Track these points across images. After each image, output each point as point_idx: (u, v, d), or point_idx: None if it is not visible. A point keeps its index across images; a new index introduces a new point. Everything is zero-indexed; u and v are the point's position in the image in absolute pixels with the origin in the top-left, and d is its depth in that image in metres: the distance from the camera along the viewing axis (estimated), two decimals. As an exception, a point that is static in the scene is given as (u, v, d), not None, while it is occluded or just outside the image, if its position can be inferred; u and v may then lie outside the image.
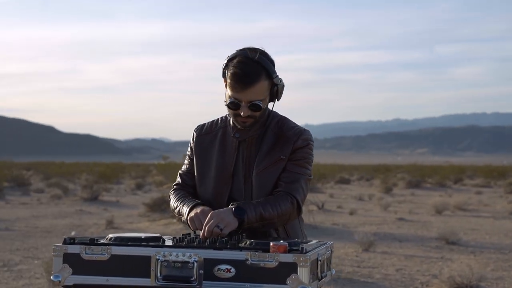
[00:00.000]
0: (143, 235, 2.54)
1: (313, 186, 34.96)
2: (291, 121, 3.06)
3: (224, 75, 2.89)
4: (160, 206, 18.18)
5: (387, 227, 16.04)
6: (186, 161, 3.11)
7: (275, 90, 2.89)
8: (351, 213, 19.79)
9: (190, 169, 3.08)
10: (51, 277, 2.39)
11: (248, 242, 2.48)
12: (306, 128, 3.03)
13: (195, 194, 3.03)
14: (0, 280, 8.59)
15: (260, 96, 2.85)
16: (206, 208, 2.81)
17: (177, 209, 2.93)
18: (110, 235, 2.52)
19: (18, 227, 15.39)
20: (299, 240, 2.63)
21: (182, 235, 2.66)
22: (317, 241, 2.75)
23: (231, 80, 2.83)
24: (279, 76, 2.91)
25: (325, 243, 2.70)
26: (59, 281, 2.37)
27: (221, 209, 2.77)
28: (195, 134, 3.10)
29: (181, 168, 3.14)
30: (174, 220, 13.81)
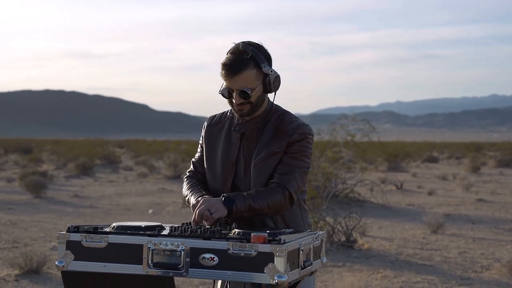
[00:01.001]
0: (143, 224, 2.77)
1: (396, 165, 34.60)
2: (292, 115, 3.20)
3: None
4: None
5: (464, 208, 15.79)
6: (198, 150, 3.32)
7: (267, 81, 3.06)
8: (430, 193, 19.54)
9: (201, 157, 3.28)
10: (56, 262, 2.65)
11: (236, 232, 2.67)
12: (305, 123, 3.17)
13: (205, 181, 3.23)
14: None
15: (249, 84, 3.03)
16: (207, 198, 3.00)
17: (187, 198, 3.14)
18: (114, 224, 2.77)
19: (101, 205, 16.09)
20: (285, 230, 2.77)
21: (182, 224, 2.87)
22: (308, 231, 2.90)
23: (221, 69, 3.05)
24: (275, 70, 3.09)
25: (315, 233, 2.85)
26: (63, 266, 2.64)
27: (212, 198, 2.98)
28: (205, 124, 3.31)
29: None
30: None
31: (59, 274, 4.79)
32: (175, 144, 60.66)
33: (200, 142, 3.32)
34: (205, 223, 2.88)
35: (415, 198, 18.19)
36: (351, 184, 16.20)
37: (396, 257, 8.74)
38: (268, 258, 2.47)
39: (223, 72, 3.04)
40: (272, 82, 3.08)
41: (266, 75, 3.06)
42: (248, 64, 3.02)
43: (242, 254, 2.49)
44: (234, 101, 3.08)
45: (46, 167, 32.06)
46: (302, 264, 2.63)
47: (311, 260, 2.74)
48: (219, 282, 3.10)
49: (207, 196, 3.05)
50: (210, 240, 2.56)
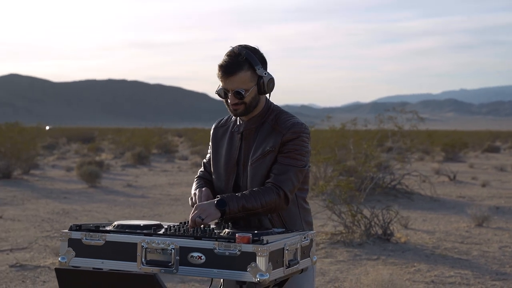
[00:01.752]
0: (142, 223, 2.96)
1: (454, 156, 34.11)
2: (288, 114, 3.33)
3: None
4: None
5: (517, 201, 15.54)
6: (208, 151, 3.50)
7: (261, 82, 3.21)
8: (483, 185, 19.26)
9: (210, 158, 3.46)
10: (59, 258, 2.87)
11: (227, 232, 2.83)
12: (300, 121, 3.29)
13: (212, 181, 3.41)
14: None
15: (243, 85, 3.19)
16: (200, 204, 3.15)
17: (191, 201, 3.32)
18: (115, 222, 2.96)
19: (152, 195, 16.47)
20: (274, 230, 2.91)
21: (179, 223, 3.05)
22: (298, 231, 3.03)
23: (218, 71, 3.22)
24: (269, 73, 3.24)
25: (304, 233, 2.98)
26: (65, 262, 2.85)
27: (205, 202, 3.13)
28: (213, 127, 3.48)
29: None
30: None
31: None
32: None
33: (210, 144, 3.49)
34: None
35: (467, 190, 17.98)
36: (400, 175, 16.16)
37: (432, 251, 8.76)
38: (251, 257, 2.62)
39: (219, 73, 3.20)
40: (266, 84, 3.22)
41: (260, 77, 3.21)
42: (242, 66, 3.17)
43: (227, 254, 2.65)
44: (229, 101, 3.24)
45: (105, 156, 32.87)
46: (287, 263, 2.77)
47: (298, 259, 2.88)
48: (221, 280, 3.26)
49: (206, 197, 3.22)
50: (201, 239, 2.72)
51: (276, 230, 2.97)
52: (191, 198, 3.27)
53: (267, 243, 2.65)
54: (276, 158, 3.21)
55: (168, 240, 2.72)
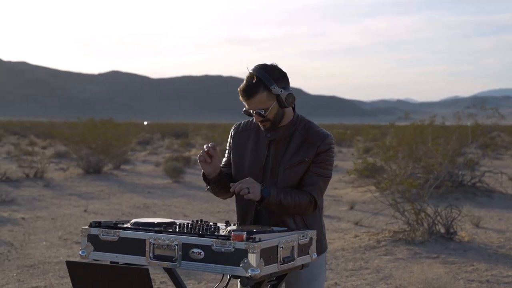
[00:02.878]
0: (156, 220, 3.25)
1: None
2: (315, 125, 3.58)
3: None
4: (371, 172, 18.61)
5: None
6: (225, 155, 3.75)
7: (280, 99, 3.44)
8: None
9: (228, 162, 3.71)
10: (80, 252, 3.20)
11: (229, 230, 3.08)
12: (328, 133, 3.53)
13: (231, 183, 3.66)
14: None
15: (262, 106, 3.43)
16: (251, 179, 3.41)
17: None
18: (133, 220, 3.27)
19: (232, 190, 16.89)
20: (273, 229, 3.16)
21: (192, 221, 3.32)
22: (298, 231, 3.25)
23: (240, 92, 3.47)
24: (286, 88, 3.46)
25: (303, 232, 3.20)
26: (85, 255, 3.19)
27: (254, 181, 3.37)
28: (232, 132, 3.72)
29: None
30: (373, 188, 14.15)
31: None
32: (328, 128, 60.76)
33: (227, 148, 3.74)
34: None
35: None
36: (480, 172, 15.91)
37: (496, 250, 8.69)
38: (243, 254, 2.87)
39: (240, 96, 3.49)
40: (284, 100, 3.46)
41: (277, 94, 3.44)
42: (258, 89, 3.42)
43: (223, 250, 2.91)
44: (254, 119, 3.53)
45: (194, 152, 33.71)
46: (281, 259, 3.01)
47: (295, 256, 3.10)
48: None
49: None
50: (203, 237, 3.00)
51: (276, 229, 3.20)
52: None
53: (259, 241, 2.89)
54: (308, 167, 3.45)
55: (172, 237, 3.00)
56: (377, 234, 9.41)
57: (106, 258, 3.13)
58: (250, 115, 3.51)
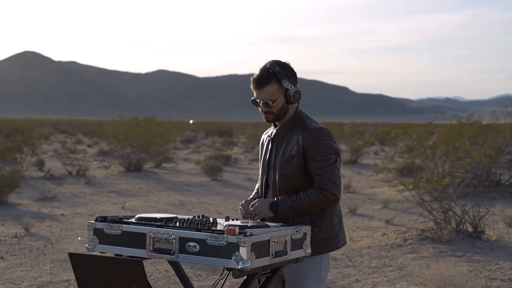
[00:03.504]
0: (159, 216, 3.43)
1: None
2: (310, 120, 3.74)
3: None
4: (410, 171, 18.53)
5: None
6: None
7: (288, 94, 3.65)
8: None
9: None
10: (86, 245, 3.41)
11: (226, 224, 3.25)
12: (320, 126, 3.68)
13: None
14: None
15: (270, 97, 3.66)
16: (250, 199, 3.75)
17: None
18: (138, 215, 3.46)
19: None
20: (267, 224, 3.33)
21: (193, 216, 3.49)
22: (292, 227, 3.39)
23: (252, 82, 3.71)
24: (295, 85, 3.69)
25: (297, 227, 3.35)
26: (91, 248, 3.39)
27: (264, 200, 3.62)
28: (261, 139, 3.99)
29: None
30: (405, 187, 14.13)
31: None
32: (374, 127, 60.09)
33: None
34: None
35: None
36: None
37: (522, 248, 8.67)
38: (235, 247, 3.03)
39: (251, 85, 3.70)
40: (292, 95, 3.67)
41: (286, 89, 3.64)
42: (270, 80, 3.65)
43: (217, 244, 3.08)
44: (260, 110, 3.73)
45: (236, 151, 34.01)
46: (273, 253, 3.16)
47: (288, 250, 3.25)
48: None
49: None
50: (200, 231, 3.17)
51: (271, 224, 3.37)
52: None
53: (251, 235, 3.05)
54: (305, 162, 3.63)
55: (170, 231, 3.18)
56: (405, 233, 9.46)
57: (110, 251, 3.33)
58: (257, 104, 3.71)
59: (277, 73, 3.65)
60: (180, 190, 16.32)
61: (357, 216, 12.16)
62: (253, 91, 3.73)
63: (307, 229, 3.42)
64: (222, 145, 38.54)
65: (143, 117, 27.82)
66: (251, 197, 3.93)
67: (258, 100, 3.71)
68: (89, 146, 36.08)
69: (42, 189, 15.11)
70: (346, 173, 20.87)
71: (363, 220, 11.70)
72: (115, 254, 3.32)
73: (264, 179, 3.81)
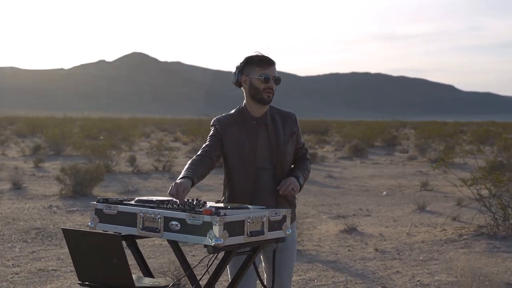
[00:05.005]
0: (156, 198, 3.76)
1: None
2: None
3: (242, 71, 3.99)
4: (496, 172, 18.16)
5: None
6: (208, 143, 4.17)
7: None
8: None
9: (213, 151, 4.10)
10: (88, 223, 3.78)
11: (208, 206, 3.55)
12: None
13: None
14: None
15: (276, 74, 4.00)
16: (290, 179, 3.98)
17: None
18: (137, 198, 3.81)
19: (347, 186, 17.13)
20: (246, 206, 3.60)
21: (187, 199, 3.79)
22: (270, 209, 3.64)
23: (260, 61, 3.96)
24: None
25: (276, 210, 3.60)
26: (93, 226, 3.76)
27: (292, 178, 3.94)
28: (218, 126, 4.10)
29: None
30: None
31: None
32: (479, 126, 58.47)
33: (212, 139, 4.10)
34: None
35: None
36: None
37: None
38: (209, 226, 3.32)
39: (261, 62, 3.94)
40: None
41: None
42: (274, 61, 4.02)
43: (194, 223, 3.38)
44: (269, 87, 3.95)
45: (327, 149, 34.15)
46: (248, 232, 3.43)
47: (265, 230, 3.52)
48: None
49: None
50: (181, 211, 3.48)
51: (254, 207, 3.66)
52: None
53: (224, 215, 3.34)
54: (297, 139, 4.10)
55: (157, 211, 3.51)
56: (462, 228, 9.43)
57: (108, 228, 3.70)
58: (268, 81, 3.93)
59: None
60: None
61: (425, 213, 12.14)
62: (261, 69, 3.93)
63: (286, 212, 3.67)
64: (314, 144, 38.76)
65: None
66: (182, 176, 3.80)
67: (269, 77, 3.93)
68: (185, 144, 37.15)
69: (127, 183, 15.86)
70: (431, 172, 20.64)
71: (430, 217, 11.68)
72: (114, 232, 3.69)
73: (253, 164, 3.95)
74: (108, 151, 20.90)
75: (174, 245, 3.72)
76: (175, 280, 3.65)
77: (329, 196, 14.70)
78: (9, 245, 8.53)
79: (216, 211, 3.35)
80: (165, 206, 3.65)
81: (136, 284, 3.42)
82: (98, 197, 3.83)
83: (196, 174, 3.87)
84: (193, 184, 3.81)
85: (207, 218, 3.34)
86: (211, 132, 4.10)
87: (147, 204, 3.70)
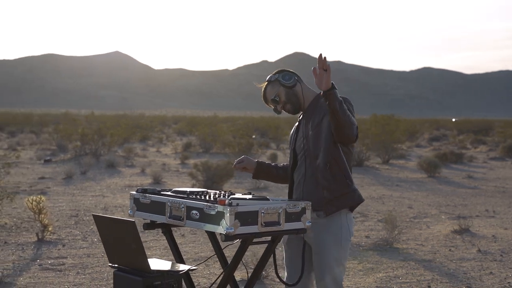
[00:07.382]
0: (189, 189, 3.98)
1: None
2: None
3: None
4: None
5: None
6: None
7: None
8: None
9: None
10: (128, 211, 4.07)
11: (233, 196, 3.71)
12: None
13: None
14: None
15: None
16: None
17: None
18: (174, 189, 4.04)
19: (485, 186, 16.45)
20: (266, 197, 3.71)
21: (220, 191, 3.98)
22: (288, 201, 3.73)
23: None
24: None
25: (295, 202, 3.68)
26: (132, 214, 4.04)
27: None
28: None
29: None
30: None
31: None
32: None
33: None
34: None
35: None
36: None
37: None
38: (222, 215, 3.49)
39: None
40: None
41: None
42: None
43: (210, 212, 3.56)
44: (278, 110, 4.26)
45: (480, 149, 32.92)
46: (262, 222, 3.56)
47: (282, 221, 3.63)
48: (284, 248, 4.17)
49: None
50: (201, 201, 3.68)
51: (275, 199, 3.79)
52: None
53: (236, 205, 3.49)
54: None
55: (181, 201, 3.74)
56: None
57: (144, 217, 3.98)
58: (276, 111, 4.28)
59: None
60: (391, 185, 16.47)
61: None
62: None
63: (306, 204, 3.75)
64: (470, 143, 37.47)
65: (409, 115, 28.35)
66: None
67: (274, 110, 4.25)
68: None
69: (258, 181, 16.26)
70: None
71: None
72: (145, 219, 3.98)
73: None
74: (252, 149, 21.61)
75: (211, 235, 3.96)
76: (192, 266, 3.85)
77: (459, 197, 14.25)
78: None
79: (229, 202, 3.51)
80: (194, 197, 3.87)
81: (154, 268, 3.67)
82: (138, 187, 4.11)
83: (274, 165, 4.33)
84: (261, 168, 4.24)
85: (220, 208, 3.52)
86: None
87: (178, 195, 3.93)
